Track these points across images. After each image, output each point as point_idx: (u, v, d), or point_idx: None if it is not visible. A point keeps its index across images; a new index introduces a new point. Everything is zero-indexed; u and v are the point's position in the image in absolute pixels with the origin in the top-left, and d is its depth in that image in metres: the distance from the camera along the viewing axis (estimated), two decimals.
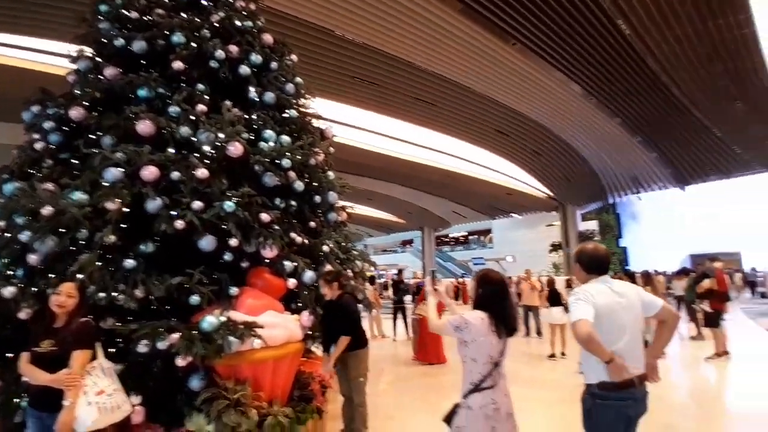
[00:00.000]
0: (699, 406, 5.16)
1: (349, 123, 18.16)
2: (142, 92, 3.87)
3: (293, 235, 3.93)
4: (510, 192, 28.36)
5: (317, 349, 5.00)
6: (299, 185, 4.06)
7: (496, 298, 2.32)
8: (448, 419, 2.28)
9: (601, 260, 2.29)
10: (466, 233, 49.28)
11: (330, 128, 4.97)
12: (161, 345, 2.91)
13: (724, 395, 5.60)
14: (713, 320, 7.34)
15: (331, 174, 4.57)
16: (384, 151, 21.68)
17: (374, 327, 10.68)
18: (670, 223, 33.15)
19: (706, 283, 7.63)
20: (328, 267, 4.01)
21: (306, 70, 13.02)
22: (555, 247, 31.98)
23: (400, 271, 13.38)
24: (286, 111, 4.59)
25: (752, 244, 29.07)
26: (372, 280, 9.76)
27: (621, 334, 2.09)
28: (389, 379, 6.79)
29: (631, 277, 8.93)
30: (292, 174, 3.99)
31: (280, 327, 3.41)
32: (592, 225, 34.00)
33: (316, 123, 5.04)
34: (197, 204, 3.33)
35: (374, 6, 11.05)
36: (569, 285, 12.27)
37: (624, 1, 11.07)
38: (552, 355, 7.76)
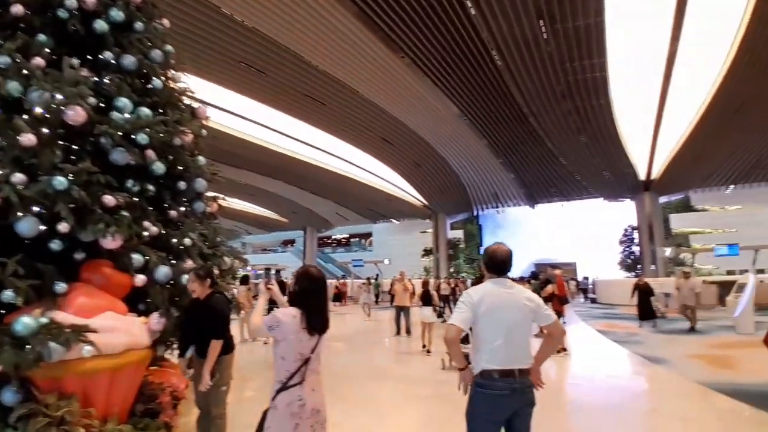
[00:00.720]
0: (540, 397, 5.86)
1: (235, 111, 16.96)
2: None
3: (147, 224, 3.40)
4: (390, 198, 29.58)
5: (171, 356, 4.43)
6: (159, 167, 3.55)
7: (311, 295, 2.26)
8: (259, 427, 2.21)
9: (497, 262, 2.39)
10: (348, 235, 49.99)
11: (204, 108, 4.46)
12: None
13: (564, 387, 6.44)
14: None
15: (201, 159, 4.09)
16: (271, 145, 20.74)
17: (244, 330, 10.00)
18: (522, 234, 38.38)
19: (549, 288, 8.82)
20: (189, 263, 3.55)
21: (187, 45, 11.77)
22: (426, 252, 34.43)
23: (278, 272, 12.86)
24: (151, 81, 4.00)
25: (585, 256, 35.51)
26: (245, 279, 9.09)
27: (501, 332, 2.23)
28: (255, 385, 6.38)
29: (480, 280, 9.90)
30: (150, 153, 3.47)
31: (120, 331, 2.88)
32: (459, 233, 37.40)
33: (187, 101, 4.49)
34: (18, 177, 2.67)
35: None
36: (438, 288, 13.04)
37: (499, 34, 12.35)
38: (424, 346, 8.19)
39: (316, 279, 2.31)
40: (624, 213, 28.60)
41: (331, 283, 28.23)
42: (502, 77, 14.76)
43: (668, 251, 22.43)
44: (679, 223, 32.56)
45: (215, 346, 3.11)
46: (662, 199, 26.84)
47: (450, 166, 23.78)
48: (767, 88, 14.72)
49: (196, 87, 4.65)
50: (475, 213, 32.50)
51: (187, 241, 3.58)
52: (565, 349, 8.31)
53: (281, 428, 2.12)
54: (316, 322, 2.22)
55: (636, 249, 27.83)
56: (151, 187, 3.60)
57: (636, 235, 27.26)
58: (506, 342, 2.23)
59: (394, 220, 37.44)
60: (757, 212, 28.96)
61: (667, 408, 4.85)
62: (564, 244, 38.20)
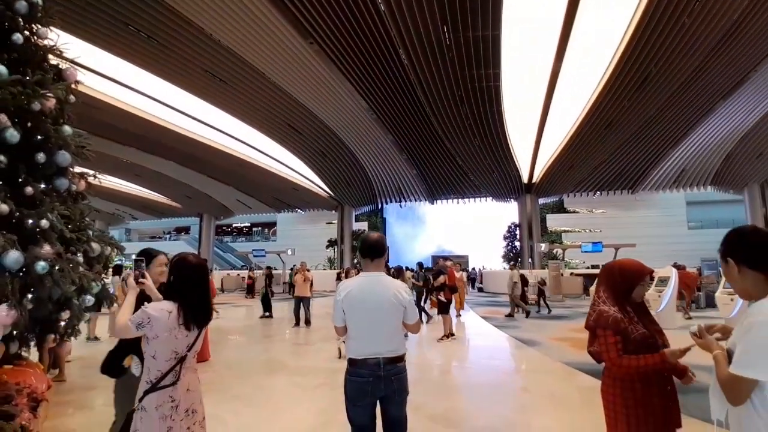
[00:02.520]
0: (427, 379, 6.23)
1: (119, 80, 15.08)
2: None
3: None
4: (296, 188, 28.91)
5: (26, 353, 3.84)
6: (13, 134, 3.02)
7: (189, 286, 2.11)
8: (123, 430, 2.09)
9: (366, 246, 2.49)
10: (250, 224, 47.82)
11: (74, 70, 3.88)
12: None
13: (451, 369, 6.91)
14: (445, 308, 9.09)
15: (67, 129, 3.56)
16: (162, 122, 18.85)
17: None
18: (424, 229, 40.76)
19: (442, 278, 9.40)
20: (47, 248, 3.07)
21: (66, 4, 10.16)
22: (331, 243, 34.47)
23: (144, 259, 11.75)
24: (12, 35, 3.38)
25: (475, 250, 39.24)
26: (118, 269, 8.14)
27: (364, 323, 2.37)
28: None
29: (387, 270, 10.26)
30: (3, 117, 2.95)
31: None
32: (364, 225, 38.06)
33: (55, 61, 3.87)
34: None
35: None
36: (347, 275, 13.11)
37: (407, 34, 12.72)
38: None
39: (195, 267, 2.16)
40: (508, 212, 32.15)
41: (240, 274, 26.82)
42: (408, 76, 15.24)
43: (543, 246, 25.42)
44: (554, 222, 37.02)
45: None
46: (541, 201, 30.19)
47: (357, 158, 23.99)
48: (633, 111, 17.38)
49: (69, 46, 4.04)
50: (379, 206, 33.30)
51: (44, 222, 3.09)
52: (453, 334, 8.95)
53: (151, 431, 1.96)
54: (197, 316, 2.08)
55: (518, 244, 31.06)
56: (2, 158, 3.05)
57: (518, 231, 30.37)
58: (369, 332, 2.37)
59: (299, 210, 36.68)
60: (619, 216, 34.40)
61: (537, 386, 5.50)
62: (458, 238, 41.84)
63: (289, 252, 25.18)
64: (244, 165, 24.31)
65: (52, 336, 3.82)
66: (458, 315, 12.37)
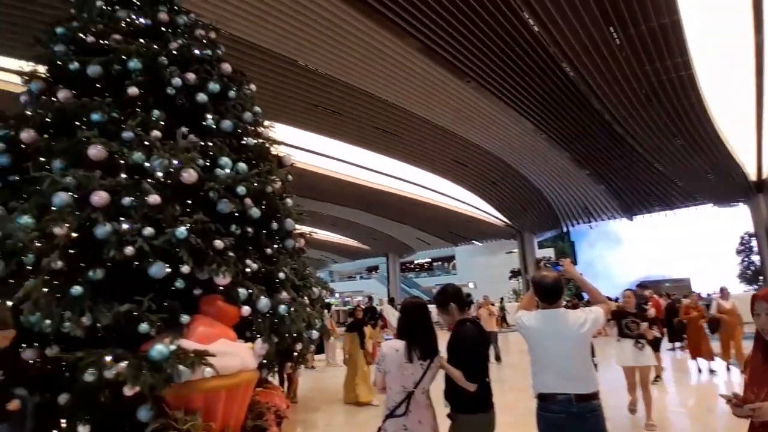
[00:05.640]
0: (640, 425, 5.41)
1: (312, 149, 18.32)
2: (96, 116, 3.84)
3: (248, 261, 3.94)
4: (470, 220, 29.18)
5: (273, 379, 4.92)
6: (255, 212, 4.10)
7: (412, 325, 2.42)
8: None
9: (543, 290, 2.44)
10: (430, 260, 49.94)
11: (288, 156, 5.07)
12: (108, 374, 2.82)
13: (667, 415, 5.87)
14: (656, 344, 7.75)
15: (289, 201, 4.64)
16: (347, 177, 21.91)
17: (330, 354, 10.62)
18: (623, 249, 35.18)
19: (652, 312, 8.04)
20: (284, 294, 4.01)
21: (268, 97, 13.16)
22: (514, 274, 33.03)
23: (370, 298, 13.36)
24: (244, 138, 4.67)
25: (699, 270, 31.24)
26: (328, 307, 9.71)
27: (548, 353, 2.36)
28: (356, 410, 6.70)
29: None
30: (248, 201, 4.04)
31: (232, 355, 3.38)
32: (549, 252, 35.40)
33: (275, 150, 5.13)
34: (148, 230, 3.31)
35: (337, 39, 11.44)
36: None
37: (567, 46, 12.03)
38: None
39: (416, 307, 2.51)
40: (738, 219, 25.06)
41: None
42: (577, 88, 14.21)
43: None
44: None
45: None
46: None
47: (530, 182, 22.97)
48: None
49: (279, 133, 5.31)
50: (564, 229, 30.60)
51: (281, 274, 4.07)
52: (659, 377, 7.52)
53: None
54: (419, 350, 2.38)
55: (756, 258, 24.11)
56: (249, 230, 4.16)
57: (754, 242, 23.70)
58: (556, 366, 2.32)
59: (476, 242, 36.63)
60: None
61: None
62: (674, 257, 33.99)
63: (471, 285, 25.22)
64: (417, 204, 25.91)
65: (289, 364, 4.81)
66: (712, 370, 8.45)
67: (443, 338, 2.39)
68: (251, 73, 5.62)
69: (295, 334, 4.03)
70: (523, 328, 2.45)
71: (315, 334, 4.27)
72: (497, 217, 28.77)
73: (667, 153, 18.57)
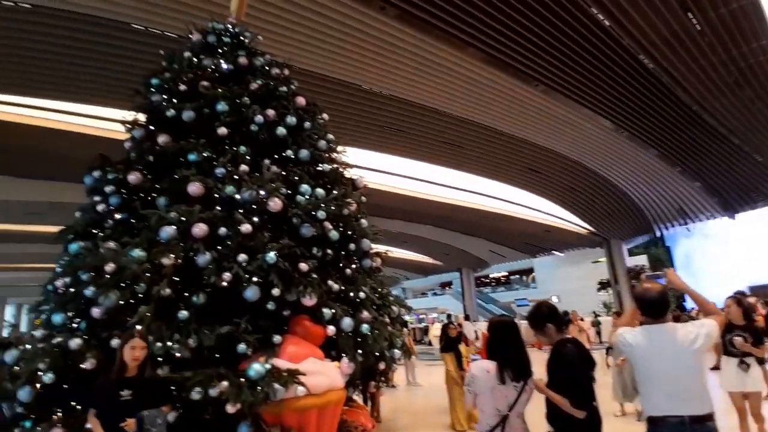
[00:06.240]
0: None
1: (380, 169, 18.72)
2: (192, 156, 4.28)
3: (330, 282, 4.09)
4: (548, 229, 27.69)
5: (358, 398, 5.00)
6: (334, 234, 4.27)
7: (502, 345, 2.34)
8: None
9: (646, 304, 2.29)
10: (507, 273, 48.06)
11: (361, 178, 5.24)
12: (213, 392, 3.05)
13: None
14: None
15: (364, 222, 4.77)
16: (416, 194, 22.01)
17: (409, 373, 10.49)
18: (729, 252, 31.16)
19: (761, 320, 6.99)
20: (365, 313, 4.10)
21: (336, 122, 13.74)
22: (603, 285, 30.53)
23: (449, 316, 13.20)
24: (320, 165, 4.92)
25: None
26: (405, 324, 9.69)
27: (656, 373, 2.16)
28: None
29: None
30: (327, 224, 4.22)
31: (321, 374, 3.49)
32: (642, 260, 32.36)
33: (348, 173, 5.34)
34: (242, 257, 3.58)
35: (397, 60, 11.71)
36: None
37: (644, 38, 11.19)
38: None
39: (505, 326, 2.45)
40: None
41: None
42: (658, 80, 13.10)
43: None
44: None
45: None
46: None
47: (615, 185, 21.36)
48: None
49: (350, 155, 5.52)
50: (658, 234, 27.86)
51: (361, 294, 4.17)
52: None
53: None
54: (511, 371, 2.29)
55: None
56: (329, 252, 4.34)
57: None
58: (666, 387, 2.12)
59: (556, 252, 34.62)
60: None
61: None
62: None
63: (554, 299, 23.81)
64: (489, 216, 25.19)
65: (373, 383, 4.86)
66: None
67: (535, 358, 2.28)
68: (320, 101, 5.96)
69: (378, 353, 4.08)
70: (627, 346, 2.26)
71: (398, 353, 4.29)
72: (580, 225, 27.01)
73: (766, 142, 16.38)
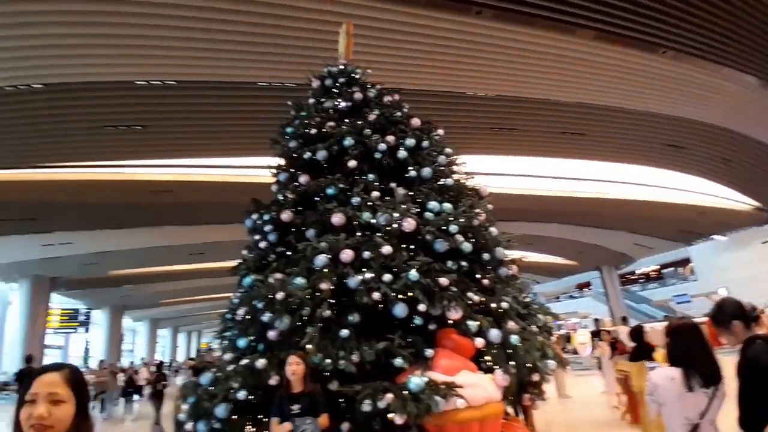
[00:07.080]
0: None
1: (496, 172, 18.20)
2: (330, 191, 4.76)
3: (470, 294, 4.13)
4: (703, 211, 23.74)
5: (511, 410, 4.88)
6: (467, 246, 4.31)
7: (686, 350, 2.14)
8: None
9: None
10: (658, 267, 42.07)
11: (485, 187, 5.22)
12: (381, 404, 3.30)
13: None
14: None
15: (494, 230, 4.73)
16: (537, 192, 20.83)
17: (560, 386, 9.77)
18: None
19: None
20: (511, 324, 4.02)
21: (448, 133, 13.91)
22: None
23: (597, 321, 12.17)
24: (443, 180, 5.04)
25: None
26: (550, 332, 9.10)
27: None
28: None
29: None
30: (459, 237, 4.29)
31: (478, 387, 3.52)
32: None
33: (470, 183, 5.36)
34: (387, 276, 3.83)
35: (500, 59, 11.47)
36: None
37: None
38: None
39: (684, 331, 2.27)
40: None
41: (654, 327, 23.71)
42: None
43: None
44: None
45: None
46: None
47: None
48: None
49: (467, 164, 5.56)
50: None
51: (504, 304, 4.12)
52: None
53: None
54: (700, 377, 2.11)
55: None
56: (464, 264, 4.39)
57: None
58: None
59: (717, 237, 29.42)
60: None
61: None
62: None
63: (722, 291, 20.18)
64: (627, 206, 22.57)
65: (527, 395, 4.70)
66: None
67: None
68: (427, 114, 6.17)
69: (530, 365, 3.97)
70: None
71: (552, 363, 4.12)
72: (741, 201, 22.73)
73: None
